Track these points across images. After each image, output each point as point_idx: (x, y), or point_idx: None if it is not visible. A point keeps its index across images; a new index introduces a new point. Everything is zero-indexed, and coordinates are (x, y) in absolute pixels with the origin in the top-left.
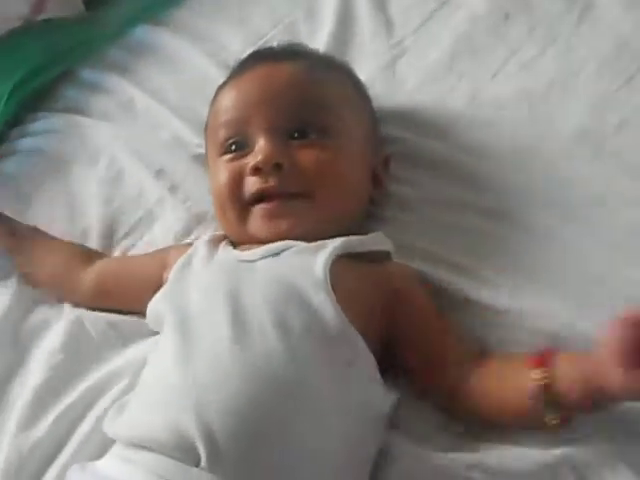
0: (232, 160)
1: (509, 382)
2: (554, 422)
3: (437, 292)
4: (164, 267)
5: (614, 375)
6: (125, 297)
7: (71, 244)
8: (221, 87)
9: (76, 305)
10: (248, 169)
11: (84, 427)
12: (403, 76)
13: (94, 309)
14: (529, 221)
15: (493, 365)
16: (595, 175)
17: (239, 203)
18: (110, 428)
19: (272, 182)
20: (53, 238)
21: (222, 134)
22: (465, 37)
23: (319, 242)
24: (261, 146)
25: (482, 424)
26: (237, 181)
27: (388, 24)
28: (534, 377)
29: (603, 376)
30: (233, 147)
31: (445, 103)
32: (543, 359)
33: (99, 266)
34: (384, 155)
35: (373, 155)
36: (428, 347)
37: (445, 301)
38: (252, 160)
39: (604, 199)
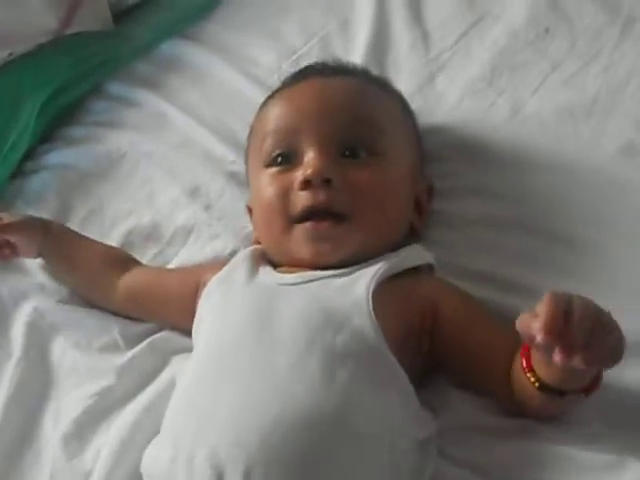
0: (279, 173)
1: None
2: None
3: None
4: (197, 286)
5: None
6: (154, 311)
7: (106, 246)
8: (270, 97)
9: (105, 309)
10: (297, 183)
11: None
12: (442, 92)
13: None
14: (577, 237)
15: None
16: None
17: (286, 218)
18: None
19: (322, 197)
20: (86, 238)
21: (269, 143)
22: (504, 52)
23: (361, 265)
24: (311, 159)
25: None
26: (284, 195)
27: (425, 38)
28: (531, 380)
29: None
30: (279, 159)
31: (485, 119)
32: (528, 363)
33: (133, 275)
34: (427, 183)
35: (418, 180)
36: (472, 361)
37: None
38: (301, 173)
39: None
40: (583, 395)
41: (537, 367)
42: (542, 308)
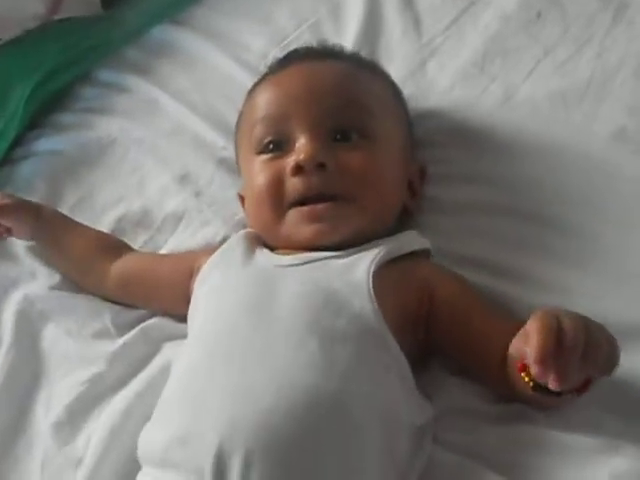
0: (271, 160)
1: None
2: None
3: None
4: (190, 272)
5: None
6: (146, 297)
7: (98, 232)
8: (258, 83)
9: (97, 296)
10: (289, 169)
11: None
12: (434, 77)
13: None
14: (569, 223)
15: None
16: (634, 175)
17: (278, 205)
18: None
19: (315, 183)
20: (78, 223)
21: (259, 130)
22: (496, 37)
23: (359, 248)
24: (303, 144)
25: None
26: (277, 182)
27: (416, 23)
28: (525, 380)
29: None
30: (271, 146)
31: (478, 105)
32: (522, 362)
33: (125, 261)
34: (419, 165)
35: (409, 162)
36: (468, 347)
37: None
38: (293, 159)
39: None
40: (576, 395)
41: None
42: (532, 337)
